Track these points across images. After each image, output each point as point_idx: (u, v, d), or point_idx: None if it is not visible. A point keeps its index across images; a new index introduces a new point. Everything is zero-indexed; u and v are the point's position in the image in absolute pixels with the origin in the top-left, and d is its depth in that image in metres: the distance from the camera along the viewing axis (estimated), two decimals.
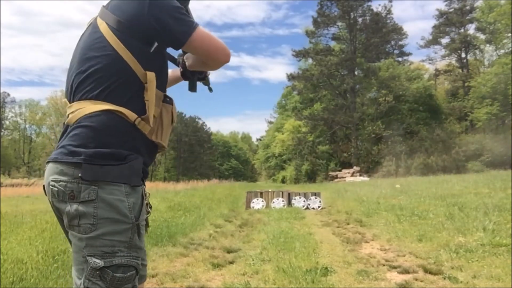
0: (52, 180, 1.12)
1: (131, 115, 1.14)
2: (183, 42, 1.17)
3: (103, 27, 1.18)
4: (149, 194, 1.26)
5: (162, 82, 1.25)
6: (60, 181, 1.10)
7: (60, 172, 1.11)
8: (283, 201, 10.74)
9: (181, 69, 1.49)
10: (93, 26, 1.23)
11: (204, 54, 1.24)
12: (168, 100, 1.25)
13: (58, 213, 1.16)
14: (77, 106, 1.17)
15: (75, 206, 1.07)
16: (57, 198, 1.11)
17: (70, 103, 1.22)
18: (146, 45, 1.16)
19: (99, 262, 1.05)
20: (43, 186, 1.20)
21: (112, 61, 1.14)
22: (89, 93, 1.16)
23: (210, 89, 1.73)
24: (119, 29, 1.15)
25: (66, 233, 1.18)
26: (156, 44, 1.17)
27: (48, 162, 1.17)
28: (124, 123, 1.14)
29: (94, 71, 1.15)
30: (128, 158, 1.12)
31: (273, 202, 10.73)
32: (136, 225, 1.11)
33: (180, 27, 1.16)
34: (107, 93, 1.14)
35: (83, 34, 1.30)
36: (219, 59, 1.24)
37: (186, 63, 1.43)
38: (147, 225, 1.24)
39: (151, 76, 1.16)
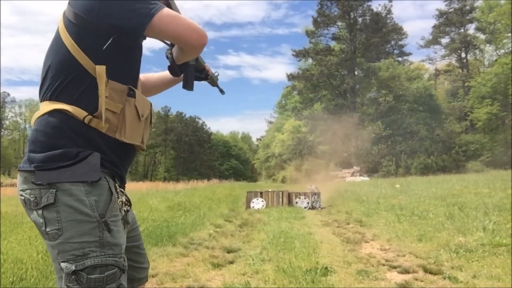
0: (20, 190, 1.11)
1: (79, 112, 1.09)
2: (140, 32, 1.09)
3: (60, 23, 1.15)
4: (122, 191, 1.20)
5: (126, 75, 1.17)
6: (26, 189, 1.09)
7: (24, 180, 1.10)
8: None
9: (168, 64, 1.37)
10: (57, 28, 1.20)
11: (173, 37, 1.13)
12: (131, 93, 1.16)
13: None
14: (39, 108, 1.16)
15: (39, 212, 1.06)
16: (26, 206, 1.10)
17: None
18: (101, 38, 1.09)
19: (70, 267, 1.02)
20: None
21: (62, 58, 1.11)
22: (46, 94, 1.14)
23: (222, 91, 1.60)
24: (73, 23, 1.11)
25: None
26: (112, 37, 1.09)
27: (18, 170, 1.17)
28: (73, 121, 1.09)
29: (49, 70, 1.14)
30: (81, 155, 1.07)
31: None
32: (103, 222, 1.06)
33: (133, 18, 1.07)
34: (58, 92, 1.11)
35: None
36: (190, 40, 1.12)
37: (174, 56, 1.31)
38: (126, 222, 1.18)
39: (100, 70, 1.09)
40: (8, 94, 55.43)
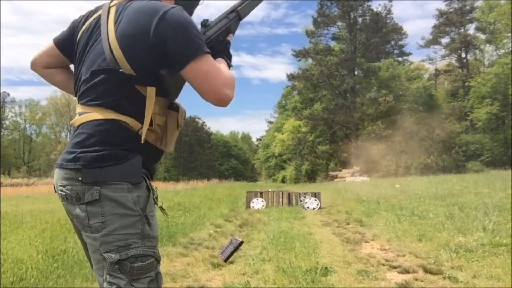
0: (60, 185, 1.18)
1: (135, 124, 1.16)
2: (183, 65, 1.13)
3: (111, 36, 1.17)
4: (157, 188, 1.28)
5: (168, 90, 1.23)
6: (66, 185, 1.15)
7: (64, 177, 1.16)
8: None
9: None
10: (104, 27, 1.21)
11: (201, 86, 1.15)
12: (174, 107, 1.25)
13: (68, 214, 1.21)
14: (83, 109, 1.20)
15: (82, 207, 1.12)
16: (66, 201, 1.17)
17: (78, 101, 1.24)
18: (151, 60, 1.14)
19: (115, 256, 1.09)
20: (54, 188, 1.26)
21: (115, 74, 1.15)
22: (94, 101, 1.18)
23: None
24: (125, 40, 1.14)
25: (79, 234, 1.24)
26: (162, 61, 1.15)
27: (56, 167, 1.22)
28: (128, 131, 1.16)
29: (99, 81, 1.17)
30: (127, 157, 1.14)
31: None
32: (144, 216, 1.14)
33: (185, 49, 1.13)
34: (112, 103, 1.16)
35: (93, 22, 1.27)
36: (218, 96, 1.16)
37: None
38: (166, 214, 1.35)
39: (150, 92, 1.16)
40: (8, 94, 55.58)
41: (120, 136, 1.15)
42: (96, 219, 1.11)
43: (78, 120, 1.19)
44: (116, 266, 1.09)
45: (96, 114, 1.16)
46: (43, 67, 1.45)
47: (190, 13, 1.33)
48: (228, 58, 1.34)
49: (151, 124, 1.18)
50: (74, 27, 1.34)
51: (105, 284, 1.11)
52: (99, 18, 1.26)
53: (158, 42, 1.12)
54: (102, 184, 1.11)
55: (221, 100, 1.17)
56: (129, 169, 1.14)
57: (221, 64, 1.23)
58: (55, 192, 1.25)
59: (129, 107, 1.16)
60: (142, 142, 1.17)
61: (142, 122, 1.16)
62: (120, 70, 1.14)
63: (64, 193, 1.16)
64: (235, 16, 1.39)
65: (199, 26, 1.25)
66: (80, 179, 1.11)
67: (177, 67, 1.15)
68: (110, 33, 1.18)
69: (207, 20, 1.35)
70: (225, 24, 1.36)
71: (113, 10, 1.22)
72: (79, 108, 1.22)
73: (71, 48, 1.33)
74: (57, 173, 1.20)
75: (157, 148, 1.24)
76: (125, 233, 1.11)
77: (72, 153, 1.15)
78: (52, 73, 1.44)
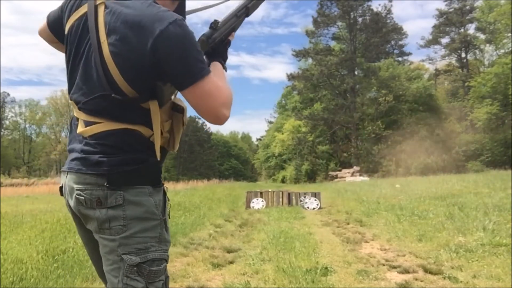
0: (77, 189, 1.15)
1: (146, 131, 1.17)
2: (181, 88, 1.11)
3: (105, 47, 1.10)
4: (167, 188, 1.29)
5: (161, 99, 1.19)
6: (86, 189, 1.14)
7: (84, 181, 1.14)
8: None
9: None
10: (94, 36, 1.12)
11: (199, 106, 1.13)
12: (178, 109, 1.22)
13: (83, 218, 1.19)
14: (88, 119, 1.16)
15: (103, 211, 1.12)
16: (85, 205, 1.15)
17: (77, 106, 1.19)
18: (151, 79, 1.11)
19: (135, 259, 1.10)
20: (60, 189, 1.25)
21: (114, 91, 1.11)
22: (100, 113, 1.15)
23: None
24: (122, 62, 1.09)
25: (85, 235, 1.27)
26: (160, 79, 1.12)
27: (67, 171, 1.20)
28: (141, 137, 1.16)
29: (101, 99, 1.13)
30: (147, 160, 1.16)
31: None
32: (163, 220, 1.17)
33: (185, 74, 1.08)
34: (119, 116, 1.14)
35: (82, 20, 1.18)
36: (215, 117, 1.14)
37: None
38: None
39: (153, 106, 1.14)
40: (8, 94, 55.67)
41: (136, 142, 1.15)
42: (117, 222, 1.11)
43: (88, 130, 1.15)
44: (135, 269, 1.10)
45: (107, 125, 1.14)
46: (48, 40, 1.43)
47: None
48: (224, 60, 1.31)
49: (161, 133, 1.19)
50: (63, 10, 1.27)
51: (120, 285, 1.10)
52: (86, 16, 1.16)
53: (155, 63, 1.07)
54: (126, 188, 1.11)
55: (218, 120, 1.15)
56: (150, 171, 1.17)
57: (220, 78, 1.18)
58: (62, 195, 1.25)
59: (137, 119, 1.15)
60: (158, 157, 1.17)
61: (152, 129, 1.17)
62: (118, 88, 1.10)
63: (83, 198, 1.13)
64: (243, 13, 1.37)
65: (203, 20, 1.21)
66: (105, 184, 1.11)
67: (176, 88, 1.15)
68: (103, 46, 1.10)
69: (217, 23, 1.30)
70: (233, 23, 1.34)
71: (101, 11, 1.13)
72: (81, 115, 1.18)
73: (62, 32, 1.27)
74: (73, 177, 1.17)
75: (165, 150, 1.25)
76: (145, 236, 1.12)
77: (89, 159, 1.14)
78: (60, 46, 1.36)
